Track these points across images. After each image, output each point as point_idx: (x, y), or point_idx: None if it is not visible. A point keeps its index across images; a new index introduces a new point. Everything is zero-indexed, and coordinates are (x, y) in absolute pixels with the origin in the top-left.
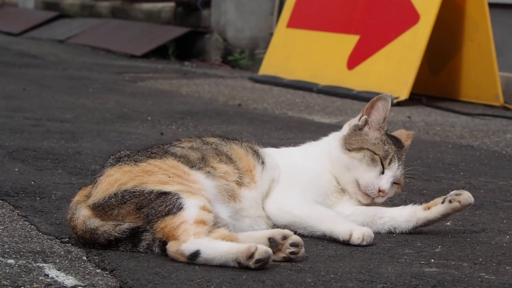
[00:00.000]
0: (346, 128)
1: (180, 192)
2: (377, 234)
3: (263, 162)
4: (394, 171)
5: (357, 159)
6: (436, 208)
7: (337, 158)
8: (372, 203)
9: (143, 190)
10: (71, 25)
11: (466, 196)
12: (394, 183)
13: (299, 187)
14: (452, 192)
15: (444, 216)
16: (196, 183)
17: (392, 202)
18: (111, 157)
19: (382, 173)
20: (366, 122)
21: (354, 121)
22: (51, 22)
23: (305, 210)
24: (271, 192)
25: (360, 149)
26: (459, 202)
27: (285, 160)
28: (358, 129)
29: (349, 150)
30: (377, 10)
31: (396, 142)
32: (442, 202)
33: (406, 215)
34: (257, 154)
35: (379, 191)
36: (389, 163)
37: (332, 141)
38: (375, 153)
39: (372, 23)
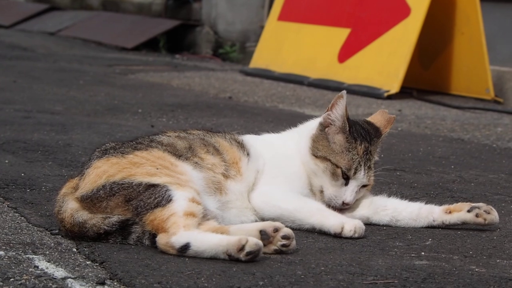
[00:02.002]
0: (315, 125)
1: (168, 184)
2: (367, 226)
3: (248, 154)
4: (359, 180)
5: (321, 168)
6: (459, 214)
7: (306, 162)
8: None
9: (132, 182)
10: (62, 17)
11: (494, 217)
12: (362, 185)
13: (283, 178)
14: (482, 205)
15: (462, 224)
16: (184, 174)
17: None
18: (97, 149)
19: (346, 184)
20: (329, 120)
21: (321, 118)
22: (42, 14)
23: (293, 203)
24: (256, 184)
25: (324, 159)
26: (485, 219)
27: (268, 149)
28: (323, 128)
29: (315, 157)
30: (368, 4)
31: (368, 134)
32: (468, 211)
33: (416, 212)
34: (241, 146)
35: (343, 203)
36: (354, 173)
37: (303, 137)
38: (337, 166)
39: (363, 17)
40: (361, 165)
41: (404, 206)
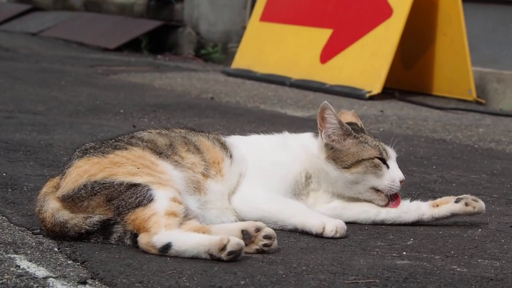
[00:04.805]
0: (315, 143)
1: (150, 184)
2: (349, 226)
3: (231, 156)
4: (392, 155)
5: (361, 173)
6: (447, 206)
7: (339, 178)
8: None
9: (113, 182)
10: (44, 18)
11: (482, 205)
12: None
13: (267, 181)
14: (467, 196)
15: (453, 216)
16: (165, 173)
17: None
18: (77, 149)
19: (388, 167)
20: (331, 138)
21: (319, 141)
22: (24, 15)
23: (274, 204)
24: (238, 186)
25: (357, 162)
26: (474, 207)
27: (253, 152)
28: (330, 148)
29: (347, 168)
30: (350, 4)
31: (361, 129)
32: (456, 202)
33: (406, 205)
34: (224, 147)
35: (400, 182)
36: (386, 153)
37: (318, 160)
38: (372, 158)
39: (345, 17)
40: (381, 144)
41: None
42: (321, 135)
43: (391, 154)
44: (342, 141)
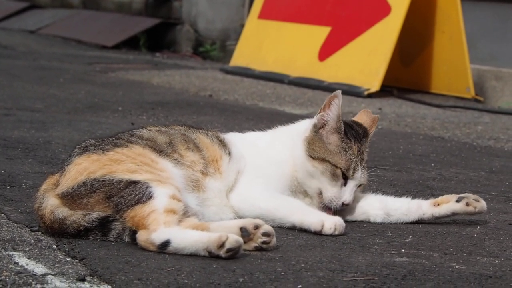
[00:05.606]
0: (308, 125)
1: (149, 181)
2: (347, 224)
3: (229, 153)
4: (357, 179)
5: (319, 170)
6: (448, 205)
7: (302, 163)
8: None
9: (112, 179)
10: (43, 15)
11: (483, 205)
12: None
13: (264, 179)
14: (469, 195)
15: (453, 215)
16: (164, 171)
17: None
18: (77, 146)
19: (345, 184)
20: (323, 121)
21: (314, 119)
22: (22, 12)
23: (272, 202)
24: (236, 184)
25: (322, 160)
26: (475, 207)
27: (250, 149)
28: (317, 129)
29: (312, 158)
30: (348, 2)
31: (358, 134)
32: (457, 201)
33: (406, 206)
34: (223, 144)
35: (343, 204)
36: (353, 173)
37: (296, 139)
38: (337, 167)
39: (344, 15)
40: (358, 165)
41: (393, 202)
42: (317, 115)
43: (357, 177)
44: (329, 133)
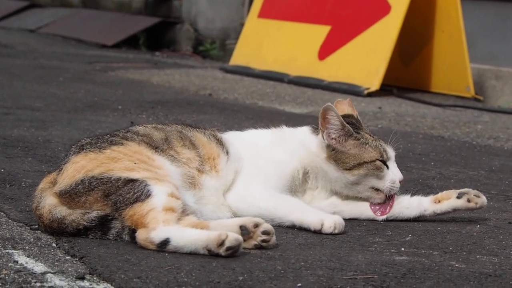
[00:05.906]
0: (314, 140)
1: (147, 179)
2: (347, 222)
3: (227, 152)
4: (392, 155)
5: (362, 175)
6: (449, 202)
7: (340, 179)
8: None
9: (110, 177)
10: (42, 14)
11: (484, 201)
12: None
13: (264, 178)
14: (469, 190)
15: (454, 211)
16: (161, 168)
17: None
18: (74, 145)
19: (387, 167)
20: (332, 139)
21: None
22: (22, 11)
23: (271, 202)
24: (233, 184)
25: (358, 165)
26: (476, 203)
27: (249, 148)
28: (331, 149)
29: (349, 170)
30: (348, 1)
31: (356, 123)
32: (458, 197)
33: (407, 201)
34: (220, 143)
35: (400, 182)
36: (387, 154)
37: (317, 158)
38: (373, 161)
39: (344, 14)
40: (381, 145)
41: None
42: (322, 136)
43: (391, 155)
44: (343, 142)
